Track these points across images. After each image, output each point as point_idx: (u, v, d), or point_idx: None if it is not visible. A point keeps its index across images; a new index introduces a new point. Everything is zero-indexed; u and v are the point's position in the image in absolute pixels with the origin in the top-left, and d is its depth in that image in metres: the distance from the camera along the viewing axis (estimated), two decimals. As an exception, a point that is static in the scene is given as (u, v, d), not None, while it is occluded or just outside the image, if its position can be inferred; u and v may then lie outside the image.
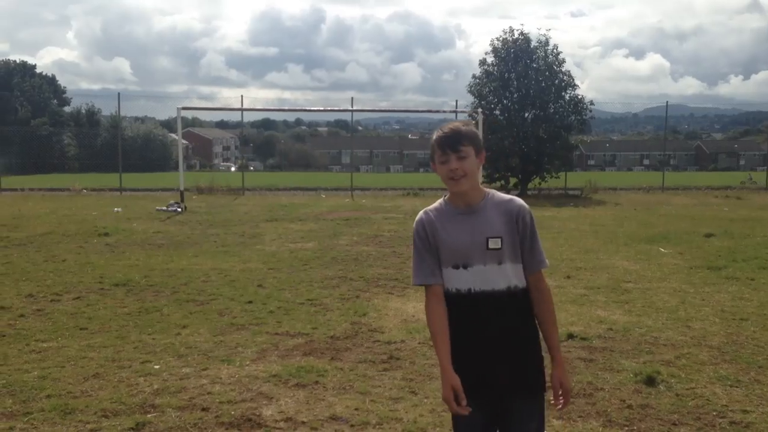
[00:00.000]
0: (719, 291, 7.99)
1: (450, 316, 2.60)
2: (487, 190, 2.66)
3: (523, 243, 2.60)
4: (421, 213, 2.68)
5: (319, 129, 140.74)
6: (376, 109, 54.34)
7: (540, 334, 2.69)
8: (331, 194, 25.09)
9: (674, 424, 4.20)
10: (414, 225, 2.67)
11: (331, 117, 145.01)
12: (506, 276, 2.56)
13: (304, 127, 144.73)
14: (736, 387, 4.83)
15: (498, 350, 2.56)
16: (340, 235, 12.74)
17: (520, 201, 2.63)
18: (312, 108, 30.65)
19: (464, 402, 2.51)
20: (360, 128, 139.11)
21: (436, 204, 2.69)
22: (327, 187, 28.19)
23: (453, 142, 2.53)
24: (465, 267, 2.55)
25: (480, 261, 2.54)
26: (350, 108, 25.92)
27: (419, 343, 5.88)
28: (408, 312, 6.96)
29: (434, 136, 2.60)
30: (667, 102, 30.84)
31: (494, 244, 2.53)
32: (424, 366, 5.28)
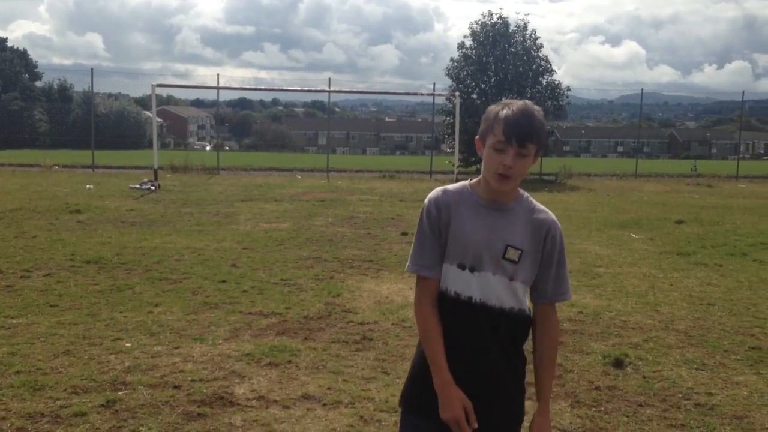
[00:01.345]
0: (688, 276, 8.14)
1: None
2: (522, 191, 2.25)
3: (547, 267, 2.21)
4: (437, 190, 2.25)
5: (296, 110, 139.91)
6: (354, 90, 54.12)
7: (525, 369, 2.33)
8: (307, 175, 25.00)
9: (640, 406, 4.29)
10: (425, 202, 2.23)
11: (308, 98, 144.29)
12: (515, 296, 2.19)
13: (280, 108, 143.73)
14: (702, 370, 4.94)
15: (483, 374, 2.19)
16: (315, 216, 12.71)
17: (553, 216, 2.24)
18: (289, 88, 30.39)
19: (475, 425, 2.13)
20: (337, 110, 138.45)
21: (458, 186, 2.25)
22: (303, 168, 28.07)
23: (523, 133, 2.07)
24: (472, 270, 2.15)
25: (489, 268, 2.15)
26: (327, 89, 25.77)
27: (392, 324, 5.91)
28: (382, 293, 6.99)
29: (500, 112, 2.11)
30: (642, 89, 31.11)
31: (512, 255, 2.15)
32: (397, 347, 5.32)
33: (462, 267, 2.16)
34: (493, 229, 2.15)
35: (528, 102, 2.13)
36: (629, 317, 6.26)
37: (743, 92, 30.85)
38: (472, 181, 2.25)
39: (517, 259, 2.15)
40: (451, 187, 2.25)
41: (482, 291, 2.16)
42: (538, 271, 2.21)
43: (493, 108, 2.16)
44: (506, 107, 2.10)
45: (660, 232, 11.55)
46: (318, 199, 15.80)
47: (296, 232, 10.84)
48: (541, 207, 2.25)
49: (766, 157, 75.17)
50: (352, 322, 5.96)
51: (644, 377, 4.76)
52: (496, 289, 2.16)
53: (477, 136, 2.21)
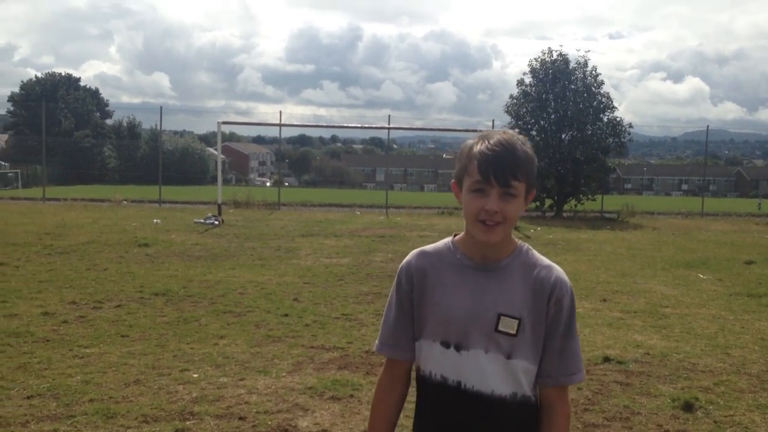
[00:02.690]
0: (759, 318, 7.85)
1: (420, 408, 1.88)
2: (520, 242, 1.83)
3: (552, 337, 1.77)
4: (411, 254, 1.88)
5: (354, 146, 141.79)
6: (412, 127, 54.55)
7: None
8: (366, 211, 25.23)
9: (713, 452, 4.15)
10: (398, 268, 1.89)
11: (367, 134, 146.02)
12: (514, 378, 1.75)
13: (339, 144, 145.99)
14: (777, 416, 4.75)
15: None
16: (374, 252, 12.81)
17: (560, 272, 1.80)
18: (348, 125, 30.87)
19: None
20: (395, 146, 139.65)
21: (438, 245, 1.86)
22: (361, 204, 28.35)
23: (505, 169, 1.69)
24: (458, 348, 1.74)
25: (480, 344, 1.73)
26: (386, 125, 26.10)
27: (453, 361, 5.89)
28: (442, 330, 6.96)
29: (474, 147, 1.74)
30: (707, 126, 30.43)
31: (507, 326, 1.72)
32: (459, 384, 5.29)
33: (446, 345, 1.75)
34: (481, 296, 1.74)
35: (508, 131, 1.78)
36: (699, 360, 6.08)
37: (815, 128, 29.81)
38: (456, 237, 1.85)
39: (514, 332, 1.72)
40: (429, 247, 1.87)
41: (473, 374, 1.74)
42: (543, 344, 1.77)
43: (467, 143, 1.78)
44: (482, 140, 1.73)
45: (729, 273, 11.19)
46: (377, 235, 15.91)
47: (356, 267, 10.93)
48: (546, 261, 1.81)
49: (840, 196, 72.02)
50: (413, 358, 5.95)
51: (715, 422, 4.60)
52: (488, 371, 1.73)
53: (452, 180, 1.82)
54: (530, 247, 1.84)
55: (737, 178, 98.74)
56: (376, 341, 1.90)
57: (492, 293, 1.74)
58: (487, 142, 1.72)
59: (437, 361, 1.77)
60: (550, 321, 1.75)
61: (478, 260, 1.78)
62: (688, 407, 4.82)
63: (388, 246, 13.75)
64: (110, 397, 4.73)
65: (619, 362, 5.92)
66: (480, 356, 1.73)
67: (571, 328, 1.78)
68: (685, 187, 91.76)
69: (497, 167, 1.67)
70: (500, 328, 1.71)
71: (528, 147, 1.77)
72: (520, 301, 1.74)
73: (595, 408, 4.79)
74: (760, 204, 34.30)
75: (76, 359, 5.61)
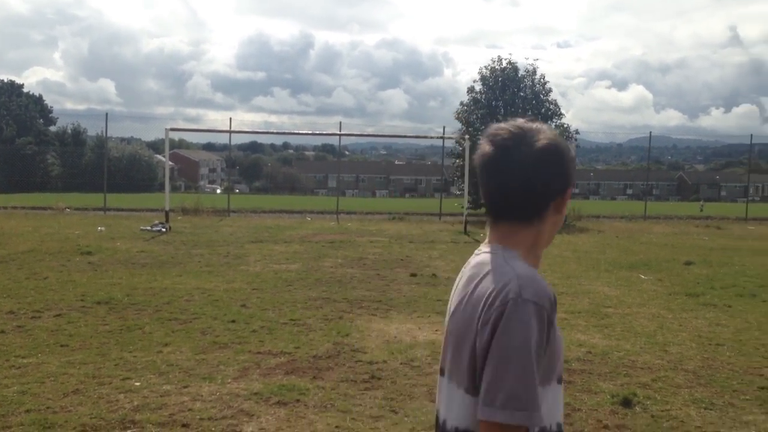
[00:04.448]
0: (697, 317, 8.11)
1: None
2: None
3: None
4: (539, 279, 1.46)
5: (306, 153, 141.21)
6: (363, 134, 54.67)
7: None
8: (317, 217, 25.14)
9: (649, 445, 4.27)
10: (536, 305, 1.40)
11: (318, 141, 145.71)
12: None
13: (291, 151, 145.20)
14: (710, 410, 4.92)
15: None
16: (324, 258, 12.78)
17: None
18: (300, 131, 30.79)
19: None
20: (347, 153, 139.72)
21: (523, 263, 1.51)
22: (313, 210, 28.22)
23: None
24: (560, 380, 1.53)
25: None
26: (338, 132, 26.10)
27: (401, 363, 5.93)
28: (390, 333, 7.00)
29: (569, 148, 1.58)
30: (650, 133, 31.27)
31: None
32: (405, 386, 5.33)
33: (560, 380, 1.53)
34: None
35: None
36: (638, 357, 6.25)
37: (751, 135, 30.83)
38: (516, 255, 1.53)
39: None
40: (530, 268, 1.49)
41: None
42: None
43: (563, 143, 1.57)
44: (567, 145, 1.57)
45: (669, 273, 11.52)
46: (328, 241, 15.88)
47: (306, 273, 10.89)
48: None
49: (776, 199, 74.89)
50: (361, 361, 5.98)
51: (653, 416, 4.74)
52: None
53: (568, 188, 1.56)
54: None
55: (679, 182, 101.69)
56: (523, 411, 1.36)
57: None
58: (564, 140, 1.61)
59: (558, 404, 1.52)
60: None
61: None
62: (626, 403, 4.95)
63: (338, 251, 13.73)
64: (48, 408, 4.61)
65: (562, 361, 6.04)
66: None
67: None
68: (629, 191, 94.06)
69: None
70: None
71: None
72: None
73: None
74: (702, 206, 35.50)
75: (12, 369, 5.45)
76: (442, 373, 1.60)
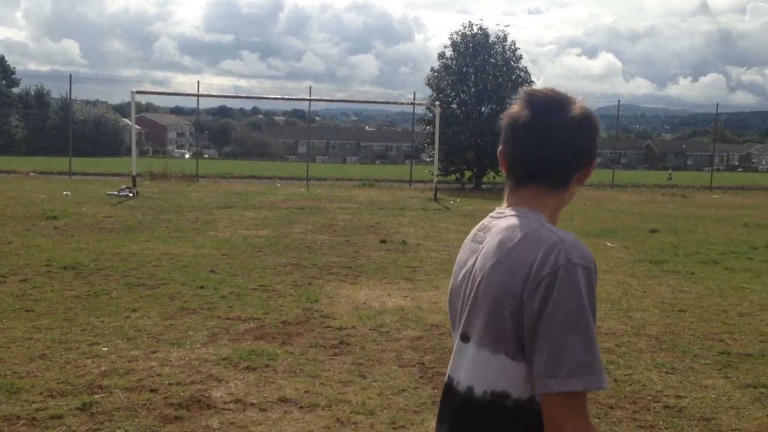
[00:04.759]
0: (660, 284, 8.28)
1: None
2: None
3: None
4: (576, 240, 1.45)
5: (276, 118, 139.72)
6: (334, 99, 54.11)
7: None
8: (287, 183, 25.00)
9: (611, 408, 4.38)
10: (584, 269, 1.40)
11: (289, 106, 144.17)
12: None
13: (260, 116, 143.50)
14: (671, 374, 5.05)
15: None
16: (294, 224, 12.74)
17: None
18: (270, 96, 30.32)
19: None
20: (317, 119, 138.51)
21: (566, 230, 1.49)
22: (282, 176, 28.06)
23: None
24: None
25: None
26: (308, 98, 25.83)
27: (369, 329, 5.97)
28: (360, 299, 7.04)
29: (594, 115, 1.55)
30: (618, 101, 31.49)
31: None
32: (374, 351, 5.37)
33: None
34: None
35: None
36: (602, 323, 6.37)
37: (717, 105, 31.27)
38: (543, 218, 1.52)
39: None
40: (573, 234, 1.47)
41: None
42: None
43: (595, 113, 1.56)
44: (589, 106, 1.55)
45: (635, 241, 11.72)
46: (297, 207, 15.82)
47: (275, 239, 10.86)
48: None
49: (740, 169, 76.40)
50: (330, 327, 6.00)
51: (615, 380, 4.85)
52: None
53: (593, 160, 1.57)
54: None
55: (647, 151, 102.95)
56: (591, 375, 1.34)
57: None
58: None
59: None
60: None
61: None
62: (591, 367, 5.06)
63: (307, 218, 13.69)
64: (14, 372, 4.56)
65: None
66: None
67: None
68: (598, 159, 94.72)
69: None
70: None
71: None
72: None
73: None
74: (670, 175, 35.99)
75: (-24, 335, 5.37)
76: (465, 339, 1.54)
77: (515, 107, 1.53)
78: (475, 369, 1.50)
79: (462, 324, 1.56)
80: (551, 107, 1.49)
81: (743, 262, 9.81)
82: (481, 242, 1.54)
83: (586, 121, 1.50)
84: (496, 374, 1.46)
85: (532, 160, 1.51)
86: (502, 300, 1.42)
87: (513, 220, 1.49)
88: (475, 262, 1.54)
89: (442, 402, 1.64)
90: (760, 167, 79.38)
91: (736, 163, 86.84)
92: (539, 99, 1.50)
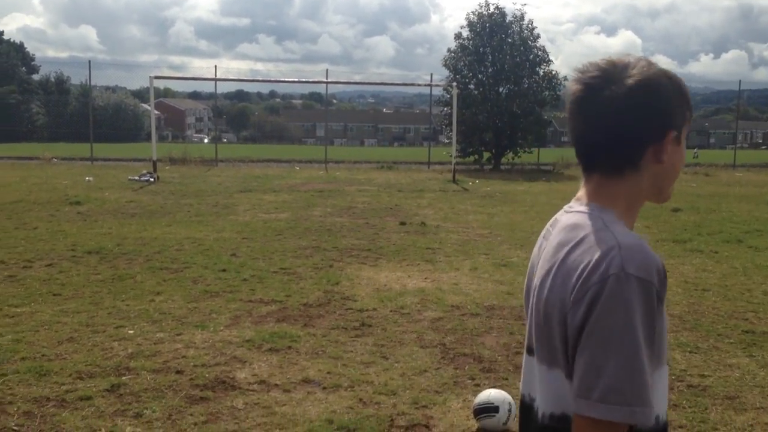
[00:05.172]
0: (683, 263, 8.22)
1: None
2: None
3: None
4: (647, 245, 1.24)
5: (294, 101, 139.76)
6: (351, 81, 54.03)
7: None
8: (305, 166, 25.05)
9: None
10: (639, 273, 1.19)
11: (306, 89, 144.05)
12: None
13: (278, 100, 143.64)
14: (695, 353, 5.03)
15: None
16: (313, 207, 12.78)
17: None
18: (287, 79, 30.37)
19: None
20: (335, 101, 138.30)
21: (622, 226, 1.30)
22: (301, 160, 28.11)
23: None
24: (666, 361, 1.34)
25: None
26: (325, 80, 25.79)
27: (390, 311, 5.99)
28: (380, 281, 7.06)
29: (682, 83, 1.34)
30: (639, 79, 31.06)
31: None
32: (395, 333, 5.40)
33: (666, 362, 1.32)
34: None
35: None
36: (624, 303, 6.34)
37: (740, 81, 30.74)
38: (613, 215, 1.32)
39: None
40: (631, 234, 1.27)
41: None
42: None
43: (663, 76, 1.32)
44: (673, 77, 1.34)
45: (657, 220, 11.63)
46: (316, 190, 15.86)
47: (295, 222, 10.91)
48: None
49: (764, 147, 75.27)
50: (351, 309, 6.04)
51: (638, 360, 4.84)
52: None
53: (674, 132, 1.31)
54: None
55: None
56: (627, 407, 1.16)
57: None
58: (677, 78, 1.34)
59: (665, 389, 1.33)
60: None
61: None
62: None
63: (326, 200, 13.73)
64: (43, 355, 4.65)
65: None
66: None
67: None
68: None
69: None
70: None
71: None
72: None
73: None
74: (696, 154, 35.48)
75: (6, 318, 5.48)
76: (530, 352, 1.38)
77: (571, 85, 1.36)
78: (539, 386, 1.35)
79: (527, 334, 1.41)
80: (598, 82, 1.30)
81: (767, 241, 9.70)
82: (547, 240, 1.39)
83: (639, 91, 1.27)
84: (556, 394, 1.30)
85: (585, 147, 1.34)
86: (553, 310, 1.27)
87: (575, 218, 1.33)
88: (533, 263, 1.43)
89: (519, 419, 1.47)
90: (785, 144, 78.16)
91: (761, 141, 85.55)
92: (589, 74, 1.31)
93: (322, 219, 11.30)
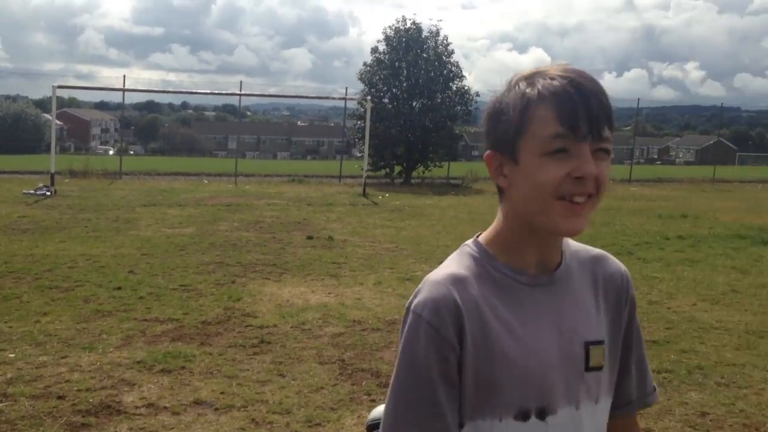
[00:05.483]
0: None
1: None
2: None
3: (630, 349, 1.26)
4: (443, 283, 1.14)
5: (206, 113, 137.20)
6: (265, 93, 53.56)
7: None
8: (214, 180, 24.57)
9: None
10: (414, 316, 1.12)
11: (219, 101, 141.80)
12: (603, 428, 1.22)
13: (190, 111, 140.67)
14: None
15: None
16: (219, 221, 12.54)
17: (614, 259, 1.32)
18: (199, 91, 29.79)
19: None
20: (248, 113, 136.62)
21: (465, 259, 1.21)
22: (211, 173, 27.55)
23: (599, 112, 1.09)
24: (542, 414, 1.13)
25: (571, 398, 1.15)
26: (239, 92, 25.44)
27: (291, 327, 5.94)
28: (283, 297, 6.99)
29: (531, 90, 1.09)
30: (544, 96, 32.22)
31: (596, 359, 1.17)
32: (294, 349, 5.35)
33: (525, 415, 1.12)
34: (558, 325, 1.15)
35: (575, 68, 1.12)
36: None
37: (638, 100, 32.47)
38: (482, 240, 1.24)
39: (603, 363, 1.18)
40: (456, 267, 1.18)
41: None
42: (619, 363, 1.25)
43: (511, 92, 1.13)
44: (538, 79, 1.10)
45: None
46: (224, 204, 15.57)
47: (199, 237, 10.66)
48: (591, 248, 1.31)
49: (658, 162, 79.38)
50: (251, 326, 5.94)
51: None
52: None
53: (487, 152, 1.18)
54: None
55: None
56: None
57: (569, 317, 1.16)
58: (550, 79, 1.08)
59: None
60: (626, 327, 1.25)
61: (533, 271, 1.17)
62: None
63: (234, 215, 13.50)
64: None
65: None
66: (571, 418, 1.14)
67: (641, 329, 1.28)
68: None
69: (589, 110, 1.07)
70: (591, 364, 1.16)
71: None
72: (597, 316, 1.20)
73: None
74: None
75: None
76: None
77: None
78: None
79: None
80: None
81: (655, 252, 10.22)
82: None
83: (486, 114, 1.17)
84: None
85: None
86: None
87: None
88: None
89: None
90: (677, 160, 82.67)
91: (655, 156, 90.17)
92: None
93: (228, 234, 11.10)
